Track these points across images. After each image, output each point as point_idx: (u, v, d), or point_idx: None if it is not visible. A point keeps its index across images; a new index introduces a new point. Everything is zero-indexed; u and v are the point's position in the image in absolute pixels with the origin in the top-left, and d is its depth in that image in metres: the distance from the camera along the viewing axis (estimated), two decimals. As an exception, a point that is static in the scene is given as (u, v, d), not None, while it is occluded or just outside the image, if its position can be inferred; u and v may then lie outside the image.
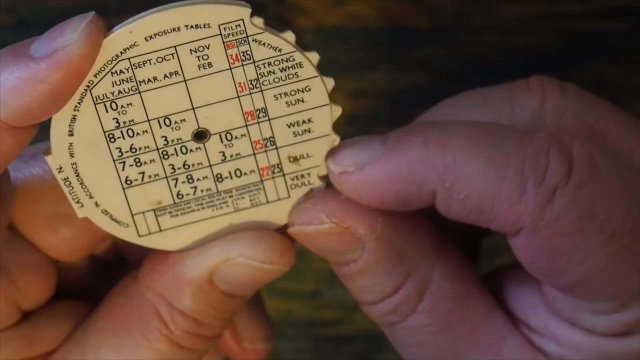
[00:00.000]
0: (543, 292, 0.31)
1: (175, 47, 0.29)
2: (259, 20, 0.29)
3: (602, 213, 0.28)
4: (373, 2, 0.44)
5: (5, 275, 0.31)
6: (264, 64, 0.29)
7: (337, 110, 0.30)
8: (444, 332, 0.31)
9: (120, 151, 0.30)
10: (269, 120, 0.30)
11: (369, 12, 0.44)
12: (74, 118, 0.29)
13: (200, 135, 0.30)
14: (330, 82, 0.30)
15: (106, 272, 0.35)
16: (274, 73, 0.30)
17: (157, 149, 0.30)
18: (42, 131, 0.30)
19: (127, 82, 0.29)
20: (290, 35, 0.29)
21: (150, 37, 0.29)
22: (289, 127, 0.30)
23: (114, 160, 0.30)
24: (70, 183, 0.30)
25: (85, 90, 0.29)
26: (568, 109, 0.30)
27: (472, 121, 0.30)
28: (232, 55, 0.29)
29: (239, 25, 0.29)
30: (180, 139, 0.30)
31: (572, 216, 0.28)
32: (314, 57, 0.30)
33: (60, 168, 0.30)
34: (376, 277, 0.31)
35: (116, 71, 0.29)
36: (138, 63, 0.29)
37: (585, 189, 0.28)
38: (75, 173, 0.30)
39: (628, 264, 0.29)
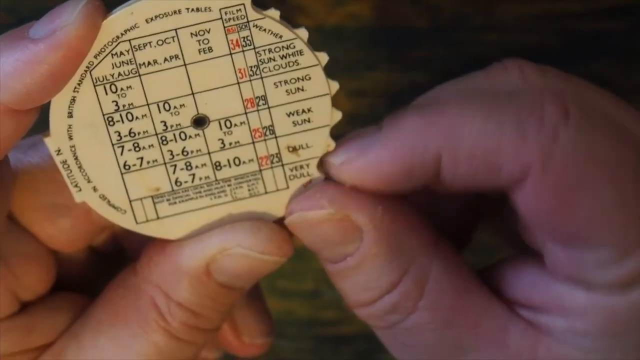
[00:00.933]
0: (545, 259, 0.31)
1: (176, 30, 0.29)
2: (275, 13, 0.29)
3: (604, 150, 0.29)
4: (373, 2, 0.44)
5: (5, 265, 0.31)
6: (264, 50, 0.29)
7: (337, 115, 0.30)
8: (447, 328, 0.31)
9: (119, 135, 0.30)
10: (269, 108, 0.30)
11: (369, 12, 0.44)
12: (73, 99, 0.29)
13: (200, 122, 0.30)
14: (335, 85, 0.30)
15: (105, 265, 0.35)
16: (274, 60, 0.29)
17: (156, 134, 0.30)
18: (41, 123, 0.30)
19: (127, 64, 0.29)
20: (303, 33, 0.29)
21: (151, 19, 0.28)
22: (289, 116, 0.30)
23: (113, 144, 0.30)
24: (69, 166, 0.30)
25: (85, 71, 0.29)
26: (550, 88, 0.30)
27: (461, 89, 0.30)
28: (232, 40, 0.29)
29: (240, 10, 0.29)
30: (180, 124, 0.30)
31: (579, 149, 0.28)
32: (324, 57, 0.30)
33: (59, 150, 0.30)
34: (374, 271, 0.30)
35: (116, 53, 0.29)
36: (138, 45, 0.29)
37: (585, 127, 0.28)
38: (74, 156, 0.30)
39: (633, 205, 0.29)
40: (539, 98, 0.29)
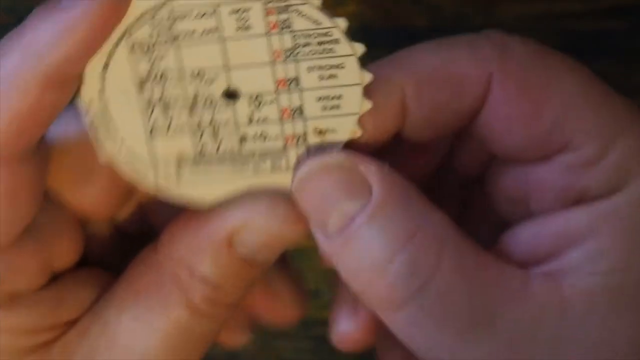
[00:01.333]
0: (532, 201, 0.32)
1: (216, 5, 0.29)
2: (316, 0, 0.29)
3: (553, 62, 0.31)
4: (373, 2, 0.44)
5: (38, 234, 0.31)
6: (301, 35, 0.30)
7: (367, 105, 0.31)
8: (474, 286, 0.29)
9: (149, 100, 0.30)
10: (300, 90, 0.30)
11: (369, 12, 0.44)
12: (107, 63, 0.30)
13: (230, 95, 0.31)
14: (367, 76, 0.30)
15: (130, 244, 0.35)
16: (310, 45, 0.30)
17: (186, 102, 0.30)
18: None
19: (165, 32, 0.29)
20: (342, 22, 0.30)
21: None
22: (319, 100, 0.31)
23: (143, 109, 0.30)
24: (97, 127, 0.30)
25: (122, 36, 0.29)
26: None
27: None
28: (271, 22, 0.30)
29: None
30: (211, 95, 0.30)
31: (531, 54, 0.31)
32: (359, 48, 0.30)
33: (89, 111, 0.30)
34: (387, 222, 0.29)
35: (155, 20, 0.29)
36: (178, 15, 0.29)
37: (530, 46, 0.31)
38: (104, 117, 0.30)
39: (599, 99, 0.30)
40: (481, 34, 0.31)
